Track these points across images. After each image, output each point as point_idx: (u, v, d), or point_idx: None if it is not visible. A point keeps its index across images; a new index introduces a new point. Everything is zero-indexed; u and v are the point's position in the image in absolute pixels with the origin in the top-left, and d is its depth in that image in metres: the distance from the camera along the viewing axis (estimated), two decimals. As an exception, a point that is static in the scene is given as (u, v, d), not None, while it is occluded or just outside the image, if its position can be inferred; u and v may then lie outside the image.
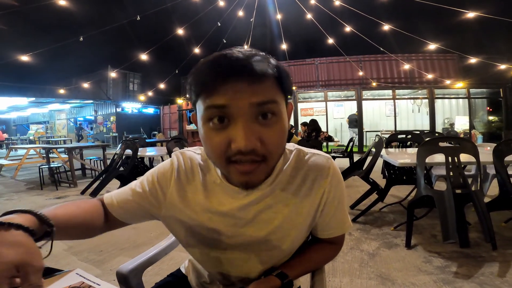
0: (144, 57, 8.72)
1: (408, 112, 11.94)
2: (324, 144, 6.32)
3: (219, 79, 0.48)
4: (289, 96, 0.58)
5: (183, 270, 0.86)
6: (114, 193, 0.70)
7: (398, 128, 10.45)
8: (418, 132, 5.01)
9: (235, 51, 0.50)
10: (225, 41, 10.06)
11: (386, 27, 8.22)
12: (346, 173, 3.28)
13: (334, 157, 5.52)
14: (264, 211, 0.63)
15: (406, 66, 10.40)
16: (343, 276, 1.80)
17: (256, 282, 0.63)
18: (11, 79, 10.97)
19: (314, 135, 5.98)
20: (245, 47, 0.53)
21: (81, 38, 7.02)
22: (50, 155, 5.94)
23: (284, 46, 10.60)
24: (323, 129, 6.70)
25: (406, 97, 11.47)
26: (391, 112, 10.70)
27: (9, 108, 17.01)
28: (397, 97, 10.61)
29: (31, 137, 16.61)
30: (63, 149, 6.37)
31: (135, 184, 0.70)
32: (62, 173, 5.24)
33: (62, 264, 2.03)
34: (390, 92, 10.65)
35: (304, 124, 6.47)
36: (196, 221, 0.65)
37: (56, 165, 4.96)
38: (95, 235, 0.67)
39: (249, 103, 0.49)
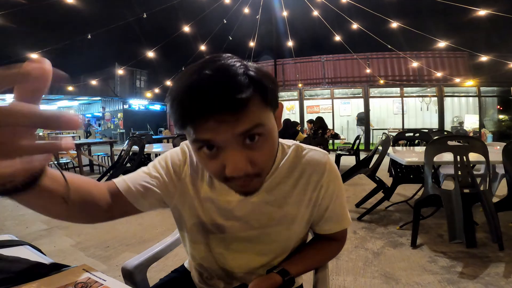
0: (150, 54, 8.77)
1: (416, 110, 11.78)
2: (330, 141, 6.29)
3: (198, 117, 0.46)
4: (276, 100, 0.55)
5: (186, 266, 0.87)
6: (126, 177, 0.65)
7: (406, 126, 10.34)
8: (426, 131, 4.95)
9: (209, 75, 0.46)
10: (231, 38, 10.05)
11: (394, 24, 8.11)
12: (352, 171, 3.26)
13: (340, 155, 5.50)
14: (262, 205, 0.65)
15: (415, 64, 10.26)
16: (347, 274, 1.80)
17: (258, 279, 0.63)
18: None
19: (320, 132, 5.95)
20: (228, 60, 0.48)
21: (89, 36, 7.09)
22: (59, 151, 6.01)
23: (290, 43, 10.54)
24: (330, 126, 6.65)
25: (414, 95, 11.31)
26: (399, 110, 10.57)
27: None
28: (405, 95, 10.47)
29: (41, 134, 16.87)
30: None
31: (150, 169, 0.67)
32: (70, 169, 5.32)
33: (70, 260, 2.07)
34: (398, 89, 10.51)
35: (310, 121, 6.44)
36: (202, 210, 0.67)
37: (64, 161, 5.04)
38: (97, 219, 0.59)
39: (233, 134, 0.48)
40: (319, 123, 6.13)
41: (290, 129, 5.45)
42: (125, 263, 0.80)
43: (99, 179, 4.31)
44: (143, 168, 0.68)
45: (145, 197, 0.64)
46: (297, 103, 10.98)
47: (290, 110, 11.48)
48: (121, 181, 0.63)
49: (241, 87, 0.46)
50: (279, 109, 0.58)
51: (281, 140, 0.69)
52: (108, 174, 4.28)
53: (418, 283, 1.67)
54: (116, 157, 4.81)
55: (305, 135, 5.97)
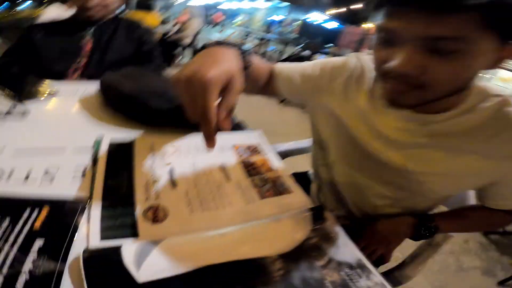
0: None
1: None
2: None
3: (397, 3, 0.43)
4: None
5: (310, 174, 0.89)
6: (285, 65, 0.71)
7: None
8: None
9: None
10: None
11: None
12: None
13: None
14: (427, 148, 0.55)
15: None
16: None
17: (390, 219, 0.64)
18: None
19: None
20: None
21: None
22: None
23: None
24: None
25: None
26: None
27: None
28: None
29: (234, 25, 19.70)
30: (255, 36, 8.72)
31: (306, 65, 0.70)
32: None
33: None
34: None
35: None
36: (347, 125, 0.64)
37: (248, 48, 6.84)
38: (252, 93, 0.69)
39: (422, 35, 0.41)
40: None
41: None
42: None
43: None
44: (302, 64, 0.71)
45: (289, 86, 0.69)
46: None
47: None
48: (279, 67, 0.70)
49: None
50: (509, 50, 0.44)
51: (488, 84, 0.54)
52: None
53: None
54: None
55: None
